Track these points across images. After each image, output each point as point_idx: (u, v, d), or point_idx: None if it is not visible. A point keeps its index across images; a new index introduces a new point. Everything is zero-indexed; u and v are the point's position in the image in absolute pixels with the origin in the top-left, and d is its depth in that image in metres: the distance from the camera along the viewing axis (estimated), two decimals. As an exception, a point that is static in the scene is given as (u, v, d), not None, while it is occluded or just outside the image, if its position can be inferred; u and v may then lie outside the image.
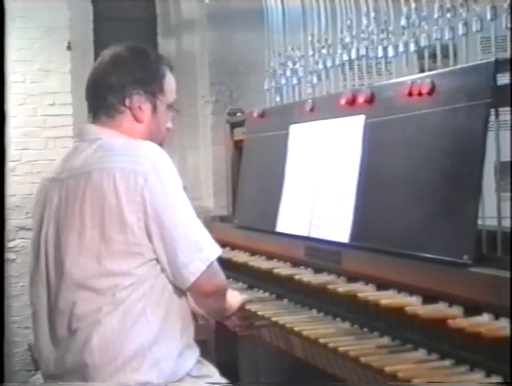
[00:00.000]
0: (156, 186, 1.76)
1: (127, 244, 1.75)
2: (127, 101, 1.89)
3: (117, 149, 1.82)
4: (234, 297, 2.12)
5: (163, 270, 1.81)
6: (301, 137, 2.61)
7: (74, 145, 1.95)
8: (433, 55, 2.22)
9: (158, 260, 1.80)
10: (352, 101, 2.30)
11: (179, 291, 1.86)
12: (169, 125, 2.01)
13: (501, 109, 1.80)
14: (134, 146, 1.83)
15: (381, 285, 1.97)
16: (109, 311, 1.76)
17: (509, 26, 1.87)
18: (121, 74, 1.90)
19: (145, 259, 1.78)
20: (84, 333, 1.78)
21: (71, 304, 1.80)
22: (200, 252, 1.81)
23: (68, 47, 4.56)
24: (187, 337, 1.90)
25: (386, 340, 1.92)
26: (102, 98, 1.90)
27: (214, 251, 1.85)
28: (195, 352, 1.94)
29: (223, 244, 3.01)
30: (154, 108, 1.93)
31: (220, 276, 1.90)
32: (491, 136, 1.77)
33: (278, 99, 3.13)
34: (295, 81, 2.99)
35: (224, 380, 2.03)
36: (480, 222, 1.76)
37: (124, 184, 1.75)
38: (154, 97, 1.92)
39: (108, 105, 1.90)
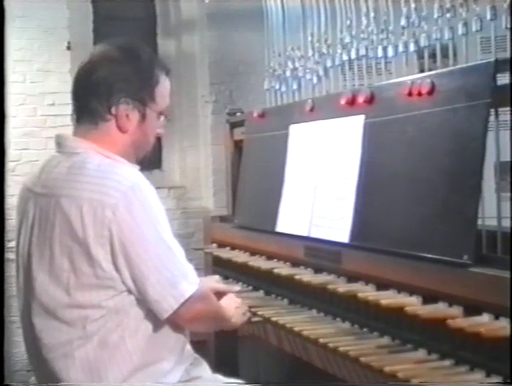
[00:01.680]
0: (125, 220, 1.64)
1: (97, 277, 1.67)
2: (113, 109, 1.75)
3: (89, 176, 1.70)
4: (236, 314, 1.99)
5: (138, 300, 1.72)
6: (301, 137, 2.61)
7: (52, 156, 1.84)
8: (433, 55, 2.22)
9: (130, 291, 1.71)
10: (352, 101, 2.31)
11: None
12: (159, 131, 1.87)
13: (501, 109, 1.80)
14: (106, 172, 1.70)
15: (381, 285, 1.97)
16: (81, 344, 1.69)
17: (508, 26, 1.87)
18: (109, 78, 1.75)
19: (117, 291, 1.69)
20: (58, 365, 1.72)
21: (40, 330, 1.74)
22: (174, 288, 1.69)
23: (68, 47, 4.55)
24: (176, 353, 1.82)
25: (386, 340, 1.92)
26: (86, 102, 1.77)
27: (190, 286, 1.72)
28: (186, 361, 1.87)
29: (223, 244, 3.03)
30: (143, 118, 1.79)
31: (202, 303, 1.78)
32: (491, 136, 1.77)
33: (278, 99, 3.13)
34: (294, 81, 2.98)
35: (218, 376, 1.98)
36: (480, 222, 1.76)
37: (91, 217, 1.64)
38: (143, 106, 1.78)
39: (92, 111, 1.76)
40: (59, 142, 1.83)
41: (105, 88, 1.75)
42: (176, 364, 1.82)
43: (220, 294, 2.00)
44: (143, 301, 1.72)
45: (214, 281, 2.11)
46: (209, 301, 1.85)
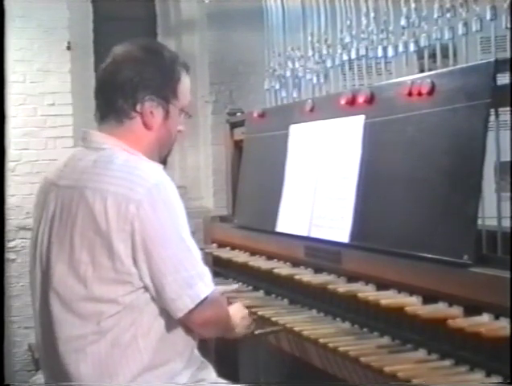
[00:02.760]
0: (148, 216, 1.67)
1: (116, 271, 1.68)
2: (138, 107, 1.80)
3: (115, 170, 1.72)
4: (240, 325, 2.02)
5: (153, 297, 1.73)
6: (301, 137, 2.61)
7: (77, 150, 1.87)
8: (433, 55, 2.22)
9: (147, 288, 1.72)
10: (352, 101, 2.30)
11: None
12: (180, 127, 1.91)
13: (501, 109, 1.79)
14: (132, 168, 1.73)
15: (381, 285, 1.96)
16: (94, 340, 1.70)
17: (509, 26, 1.87)
18: (134, 76, 1.79)
19: (134, 287, 1.70)
20: (69, 359, 1.73)
21: (54, 323, 1.74)
22: (190, 288, 1.71)
23: (68, 47, 4.55)
24: (186, 356, 1.83)
25: (386, 340, 1.92)
26: (112, 101, 1.81)
27: (206, 288, 1.75)
28: (194, 365, 1.88)
29: (223, 244, 3.02)
30: (167, 114, 1.84)
31: (215, 309, 1.81)
32: (491, 136, 1.77)
33: (278, 99, 3.13)
34: (295, 81, 2.98)
35: (220, 380, 2.00)
36: (480, 222, 1.76)
37: (115, 211, 1.66)
38: (167, 103, 1.83)
39: (117, 110, 1.80)
40: (85, 137, 1.86)
41: (130, 88, 1.79)
42: (185, 367, 1.83)
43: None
44: (158, 300, 1.73)
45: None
46: (221, 308, 1.88)
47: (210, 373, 1.95)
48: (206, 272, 1.78)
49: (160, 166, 1.81)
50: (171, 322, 1.76)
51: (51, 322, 1.76)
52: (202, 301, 1.73)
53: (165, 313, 1.75)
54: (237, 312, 2.02)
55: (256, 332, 2.19)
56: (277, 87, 3.12)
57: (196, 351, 1.92)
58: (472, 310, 1.64)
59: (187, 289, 1.71)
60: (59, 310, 1.74)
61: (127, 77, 1.79)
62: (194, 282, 1.72)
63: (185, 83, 1.89)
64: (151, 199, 1.68)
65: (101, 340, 1.70)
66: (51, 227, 1.78)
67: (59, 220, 1.76)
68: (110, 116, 1.82)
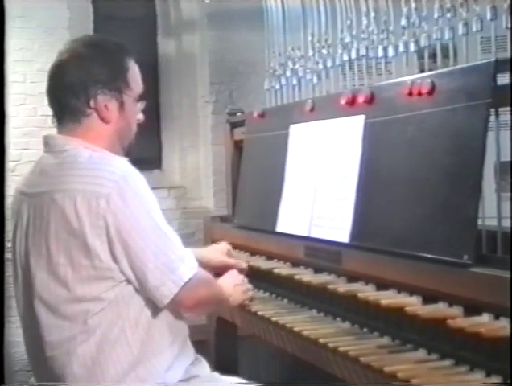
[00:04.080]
0: (119, 208, 1.67)
1: (95, 268, 1.69)
2: (92, 102, 1.80)
3: (81, 169, 1.74)
4: (235, 293, 2.04)
5: (136, 289, 1.74)
6: (301, 137, 2.61)
7: (41, 156, 1.88)
8: (433, 55, 2.22)
9: (129, 281, 1.73)
10: (352, 101, 2.30)
11: None
12: (139, 116, 1.92)
13: (501, 109, 1.79)
14: (97, 164, 1.74)
15: (381, 285, 1.97)
16: (84, 340, 1.71)
17: (509, 26, 1.87)
18: (81, 74, 1.79)
19: (116, 281, 1.71)
20: (61, 362, 1.74)
21: (43, 329, 1.75)
22: (173, 272, 1.72)
23: (68, 47, 4.55)
24: (177, 347, 1.83)
25: (386, 340, 1.92)
26: (65, 103, 1.82)
27: (189, 270, 1.76)
28: (187, 358, 1.89)
29: (223, 244, 3.02)
30: (122, 105, 1.83)
31: (203, 288, 1.82)
32: (491, 136, 1.76)
33: (278, 99, 3.13)
34: (295, 81, 2.99)
35: (215, 374, 1.99)
36: (480, 222, 1.76)
37: (86, 208, 1.67)
38: (120, 94, 1.83)
39: (72, 109, 1.81)
40: (47, 142, 1.89)
41: (80, 86, 1.80)
42: (177, 360, 1.83)
43: (226, 268, 2.04)
44: (142, 291, 1.73)
45: (223, 248, 2.22)
46: (209, 285, 1.88)
47: (204, 368, 1.96)
48: (187, 254, 1.79)
49: (125, 159, 1.81)
50: (158, 311, 1.77)
51: (38, 329, 1.76)
52: (186, 284, 1.73)
53: (151, 303, 1.75)
54: (231, 280, 2.03)
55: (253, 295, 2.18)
56: (277, 87, 3.12)
57: (190, 346, 1.92)
58: (472, 310, 1.64)
59: (169, 274, 1.72)
60: (45, 316, 1.75)
61: (75, 76, 1.80)
62: (176, 266, 1.73)
63: (135, 71, 1.88)
64: (120, 190, 1.68)
65: (91, 338, 1.71)
66: (26, 237, 1.79)
67: (33, 228, 1.77)
68: (66, 117, 1.84)
